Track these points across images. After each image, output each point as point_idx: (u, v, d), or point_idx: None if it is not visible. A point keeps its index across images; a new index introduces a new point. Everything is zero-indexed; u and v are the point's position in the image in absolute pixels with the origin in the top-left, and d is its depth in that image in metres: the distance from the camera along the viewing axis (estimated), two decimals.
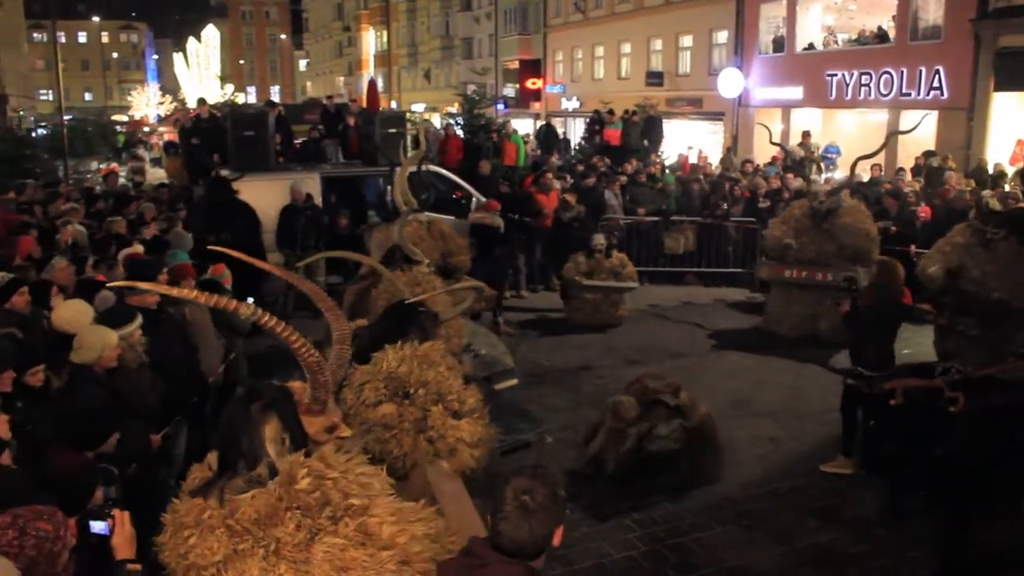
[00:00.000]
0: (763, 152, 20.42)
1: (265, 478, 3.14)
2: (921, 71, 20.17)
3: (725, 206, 15.05)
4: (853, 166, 12.86)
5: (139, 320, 5.81)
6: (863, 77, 21.87)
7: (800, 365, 10.61)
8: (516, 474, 2.66)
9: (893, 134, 11.59)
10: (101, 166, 26.63)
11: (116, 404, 5.17)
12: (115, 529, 3.23)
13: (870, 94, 21.71)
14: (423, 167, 12.50)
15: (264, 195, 12.48)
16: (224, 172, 13.34)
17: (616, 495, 7.09)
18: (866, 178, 14.62)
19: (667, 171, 17.42)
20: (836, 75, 22.84)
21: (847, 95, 22.58)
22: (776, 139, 17.06)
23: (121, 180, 18.23)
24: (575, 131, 32.18)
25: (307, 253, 12.41)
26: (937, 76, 19.80)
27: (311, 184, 13.13)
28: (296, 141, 16.49)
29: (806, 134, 20.48)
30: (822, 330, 11.14)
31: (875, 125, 21.41)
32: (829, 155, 20.62)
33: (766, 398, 9.54)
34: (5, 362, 4.81)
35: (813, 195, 11.26)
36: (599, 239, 12.19)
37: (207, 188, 12.26)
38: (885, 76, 21.22)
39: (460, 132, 20.29)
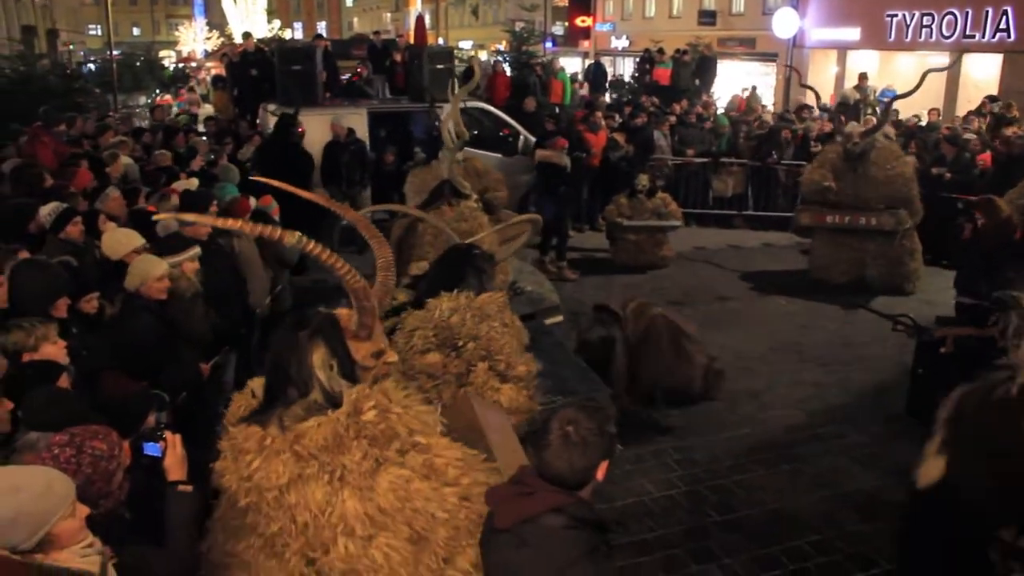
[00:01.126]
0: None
1: (322, 404, 3.19)
2: (988, 12, 19.42)
3: (775, 156, 14.76)
4: (888, 106, 12.53)
5: (195, 250, 5.86)
6: (925, 18, 21.15)
7: (848, 311, 10.48)
8: (566, 405, 2.66)
9: (929, 72, 11.11)
10: (151, 98, 26.81)
11: (168, 333, 5.25)
12: (167, 451, 3.28)
13: (931, 36, 21.00)
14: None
15: (311, 131, 12.48)
16: (272, 107, 13.36)
17: (658, 435, 7.12)
18: (924, 123, 14.21)
19: (720, 112, 17.09)
20: (896, 15, 22.10)
21: (907, 37, 21.86)
22: (824, 101, 16.53)
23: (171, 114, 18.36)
24: (624, 70, 31.69)
25: (352, 189, 12.48)
26: (1004, 17, 19.05)
27: (357, 120, 13.11)
28: (342, 77, 16.42)
29: (862, 76, 19.87)
30: (870, 276, 10.96)
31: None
32: (885, 99, 20.04)
33: (812, 343, 9.45)
34: (60, 289, 4.90)
35: (847, 137, 10.93)
36: (642, 179, 12.07)
37: (275, 126, 12.15)
38: (948, 17, 20.48)
39: (508, 69, 20.05)
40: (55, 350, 4.25)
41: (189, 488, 3.25)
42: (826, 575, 5.43)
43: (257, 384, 3.44)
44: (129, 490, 3.21)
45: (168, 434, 3.33)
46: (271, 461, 3.05)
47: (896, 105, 13.72)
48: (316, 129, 12.56)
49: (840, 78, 23.30)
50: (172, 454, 3.29)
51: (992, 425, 3.64)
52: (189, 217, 4.43)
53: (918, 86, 10.81)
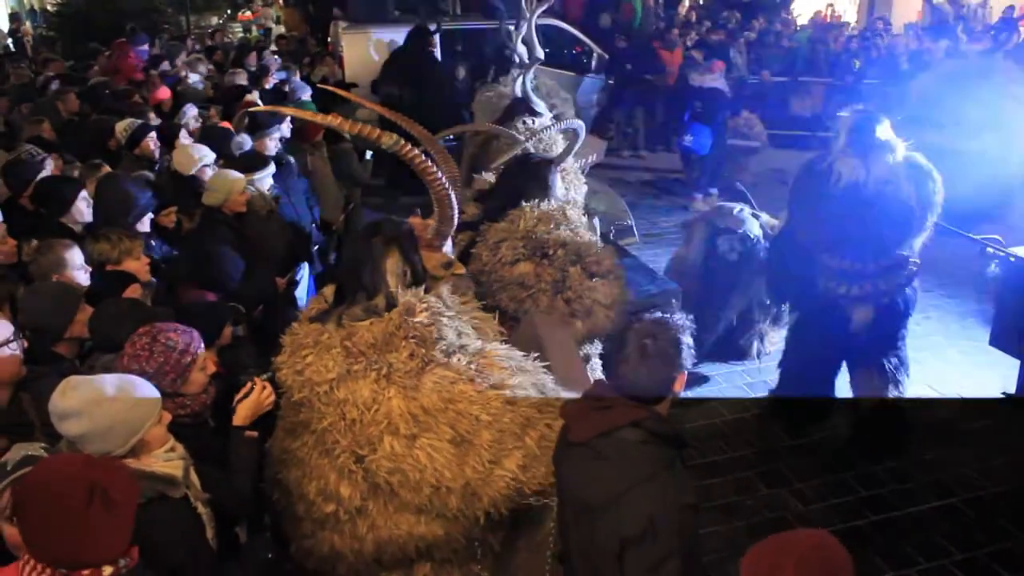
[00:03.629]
0: (905, 10, 19.00)
1: (382, 309, 3.22)
2: None
3: (859, 65, 14.15)
4: (1004, 24, 11.87)
5: (271, 168, 5.90)
6: None
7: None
8: (641, 319, 2.61)
9: None
10: (222, 18, 26.88)
11: (245, 247, 5.31)
12: (250, 393, 3.26)
13: None
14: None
15: (381, 47, 12.36)
16: (343, 24, 13.25)
17: (730, 359, 7.05)
18: None
19: (798, 29, 16.45)
20: None
21: None
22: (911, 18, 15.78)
23: (240, 34, 18.40)
24: None
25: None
26: None
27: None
28: None
29: None
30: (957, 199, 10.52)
31: None
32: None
33: None
34: (144, 204, 4.97)
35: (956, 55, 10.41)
36: None
37: (408, 38, 12.01)
38: None
39: None
40: (138, 266, 4.34)
41: (254, 435, 3.28)
42: (902, 502, 5.34)
43: (331, 291, 3.49)
44: (214, 400, 3.27)
45: (259, 381, 3.31)
46: (322, 356, 3.13)
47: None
48: (385, 47, 12.41)
49: None
50: (252, 401, 3.26)
51: None
52: (287, 111, 4.45)
53: None
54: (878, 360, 5.60)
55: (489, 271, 4.66)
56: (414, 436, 3.07)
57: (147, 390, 2.67)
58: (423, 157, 3.29)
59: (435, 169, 3.32)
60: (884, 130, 5.11)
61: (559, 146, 6.44)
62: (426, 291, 3.34)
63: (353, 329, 3.15)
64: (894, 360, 5.65)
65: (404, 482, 3.07)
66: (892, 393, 5.64)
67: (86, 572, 2.11)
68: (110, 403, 2.53)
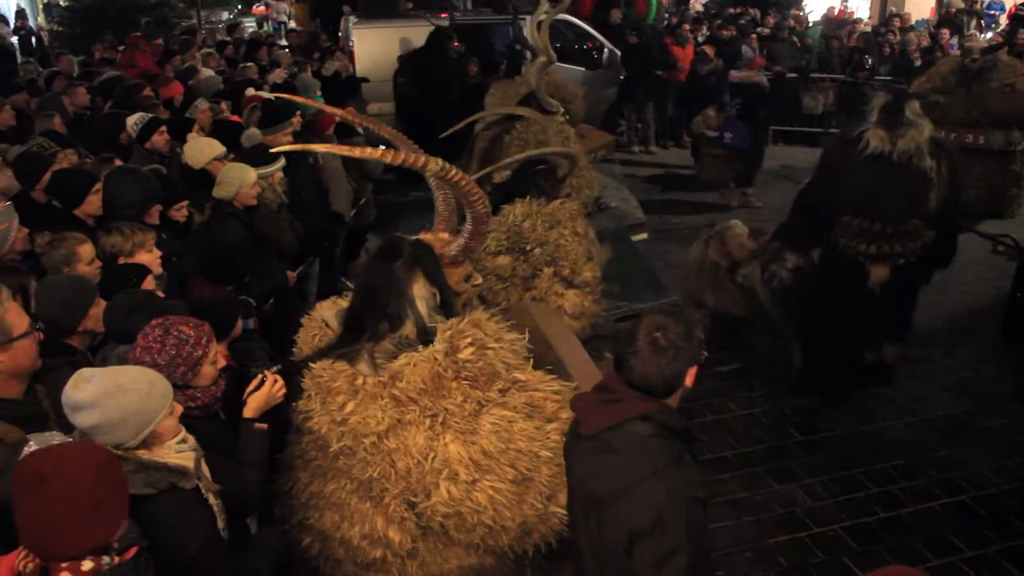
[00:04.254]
0: (918, 7, 18.91)
1: (415, 340, 3.07)
2: None
3: (870, 62, 14.08)
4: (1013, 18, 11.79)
5: (281, 161, 5.91)
6: None
7: None
8: (652, 311, 2.61)
9: None
10: (232, 13, 26.95)
11: (255, 241, 5.32)
12: (260, 387, 3.23)
13: None
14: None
15: (392, 42, 12.36)
16: (354, 19, 13.25)
17: (740, 353, 7.03)
18: None
19: (812, 25, 16.37)
20: None
21: None
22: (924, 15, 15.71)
23: (251, 28, 18.43)
24: None
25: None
26: None
27: None
28: None
29: None
30: (969, 199, 10.46)
31: None
32: (991, 12, 18.96)
33: None
34: (153, 196, 4.98)
35: (966, 51, 10.35)
36: None
37: (428, 39, 12.09)
38: None
39: None
40: (150, 258, 4.33)
41: (264, 427, 3.23)
42: (912, 499, 5.33)
43: (327, 311, 3.31)
44: (224, 394, 3.28)
45: (269, 375, 3.25)
46: (368, 406, 2.92)
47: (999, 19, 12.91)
48: (397, 40, 12.42)
49: None
50: (262, 394, 3.22)
51: None
52: (325, 148, 4.30)
53: None
54: (889, 321, 6.16)
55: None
56: (475, 480, 2.94)
57: (160, 382, 2.68)
58: (468, 178, 3.16)
59: (478, 189, 3.19)
60: (913, 109, 5.73)
61: (572, 140, 6.43)
62: (454, 311, 3.20)
63: (396, 373, 2.94)
64: (903, 324, 6.29)
65: (460, 524, 2.97)
66: (895, 355, 6.42)
67: (64, 565, 2.12)
68: (123, 395, 2.53)
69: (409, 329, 3.07)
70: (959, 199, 6.05)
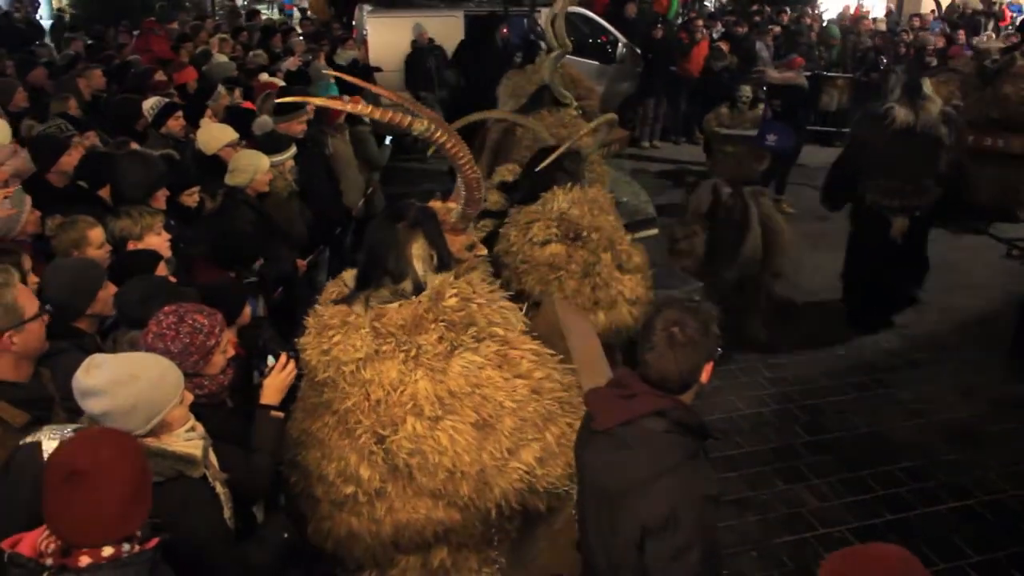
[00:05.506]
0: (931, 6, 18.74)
1: (410, 293, 3.23)
2: None
3: (885, 61, 13.98)
4: None
5: (293, 149, 5.90)
6: None
7: (953, 236, 10.01)
8: (668, 306, 2.58)
9: None
10: None
11: (266, 228, 5.31)
12: (273, 370, 3.31)
13: None
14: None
15: (405, 32, 12.34)
16: (368, 8, 13.21)
17: (749, 352, 7.01)
18: None
19: (830, 23, 16.24)
20: None
21: None
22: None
23: (266, 15, 18.41)
24: None
25: (441, 92, 12.37)
26: None
27: (454, 23, 12.90)
28: None
29: None
30: (982, 200, 10.40)
31: None
32: (1011, 14, 18.78)
33: None
34: (159, 180, 4.96)
35: (984, 53, 10.25)
36: (745, 90, 11.48)
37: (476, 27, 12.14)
38: None
39: None
40: (159, 241, 4.33)
41: (280, 415, 3.30)
42: (919, 502, 5.31)
43: (350, 275, 3.48)
44: (232, 382, 3.27)
45: (284, 355, 3.35)
46: (351, 335, 3.10)
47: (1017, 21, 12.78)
48: (410, 31, 12.40)
49: None
50: (275, 376, 3.30)
51: None
52: (317, 101, 4.46)
53: None
54: (910, 260, 7.41)
55: (516, 252, 4.64)
56: (438, 418, 3.07)
57: (171, 371, 2.67)
58: (453, 141, 3.29)
59: (465, 153, 3.31)
60: (928, 86, 7.09)
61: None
62: (455, 276, 3.33)
63: (382, 311, 3.15)
64: (921, 262, 7.54)
65: (423, 465, 3.07)
66: (916, 291, 7.66)
67: (85, 549, 2.10)
68: (134, 383, 2.52)
69: (408, 284, 3.27)
70: (961, 161, 7.74)
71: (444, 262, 3.36)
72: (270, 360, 3.39)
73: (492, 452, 3.08)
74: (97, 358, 2.57)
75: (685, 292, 5.88)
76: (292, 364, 3.34)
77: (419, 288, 3.24)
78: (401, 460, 3.09)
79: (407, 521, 3.20)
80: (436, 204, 3.61)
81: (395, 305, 3.17)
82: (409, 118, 3.20)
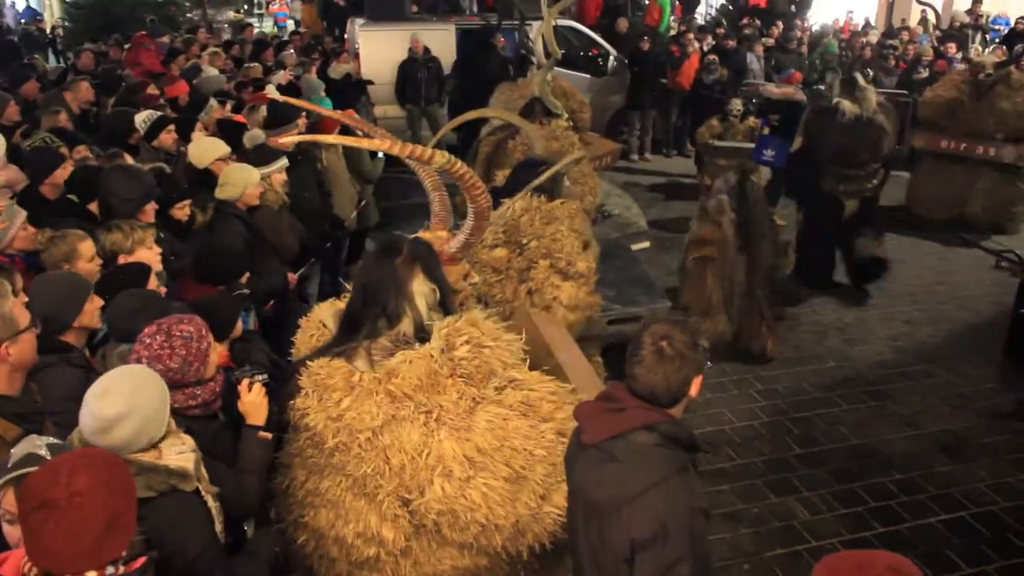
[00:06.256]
0: (921, 21, 18.87)
1: (411, 338, 3.10)
2: None
3: (871, 74, 14.04)
4: (1013, 35, 11.76)
5: (283, 161, 5.90)
6: None
7: (945, 248, 10.07)
8: (656, 320, 2.58)
9: None
10: (239, 11, 26.97)
11: (257, 240, 5.31)
12: (251, 391, 3.26)
13: None
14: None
15: (397, 45, 12.37)
16: (360, 22, 13.24)
17: (740, 364, 7.02)
18: None
19: (830, 40, 16.33)
20: None
21: None
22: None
23: (257, 28, 18.43)
24: None
25: (430, 106, 12.41)
26: None
27: (445, 36, 12.93)
28: None
29: (976, 1, 18.77)
30: (973, 213, 10.46)
31: None
32: (996, 26, 18.93)
33: (905, 279, 9.12)
34: (147, 194, 4.94)
35: (979, 65, 10.34)
36: (736, 103, 11.52)
37: (475, 41, 12.26)
38: None
39: None
40: (150, 255, 4.31)
41: (268, 436, 3.25)
42: (911, 515, 5.31)
43: (326, 312, 3.34)
44: (222, 390, 3.26)
45: (247, 380, 3.29)
46: (363, 401, 2.94)
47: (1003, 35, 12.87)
48: (402, 43, 12.43)
49: (948, 4, 21.97)
50: (249, 398, 3.26)
51: None
52: (320, 109, 4.48)
53: None
54: (861, 233, 8.47)
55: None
56: (469, 477, 2.94)
57: (155, 375, 2.70)
58: (472, 173, 3.21)
59: (479, 183, 3.23)
60: (862, 80, 8.30)
61: (576, 146, 6.44)
62: (452, 309, 3.24)
63: (392, 370, 2.96)
64: (870, 232, 8.53)
65: (453, 523, 2.97)
66: (873, 250, 8.52)
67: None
68: (145, 394, 2.56)
69: (407, 326, 3.12)
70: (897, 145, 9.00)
71: (445, 296, 3.24)
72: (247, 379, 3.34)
73: (526, 502, 2.99)
74: (98, 389, 2.55)
75: (650, 310, 5.93)
76: (257, 386, 3.26)
77: (420, 328, 3.11)
78: (430, 520, 2.98)
79: (432, 573, 3.11)
80: (426, 235, 3.47)
81: (405, 362, 2.97)
82: (431, 152, 3.09)
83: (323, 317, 3.33)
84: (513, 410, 3.03)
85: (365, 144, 3.23)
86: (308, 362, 3.11)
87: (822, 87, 11.74)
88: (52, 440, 2.52)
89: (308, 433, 3.06)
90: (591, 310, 4.97)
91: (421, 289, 3.17)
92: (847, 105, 7.89)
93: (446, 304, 3.26)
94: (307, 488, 3.18)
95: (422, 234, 3.46)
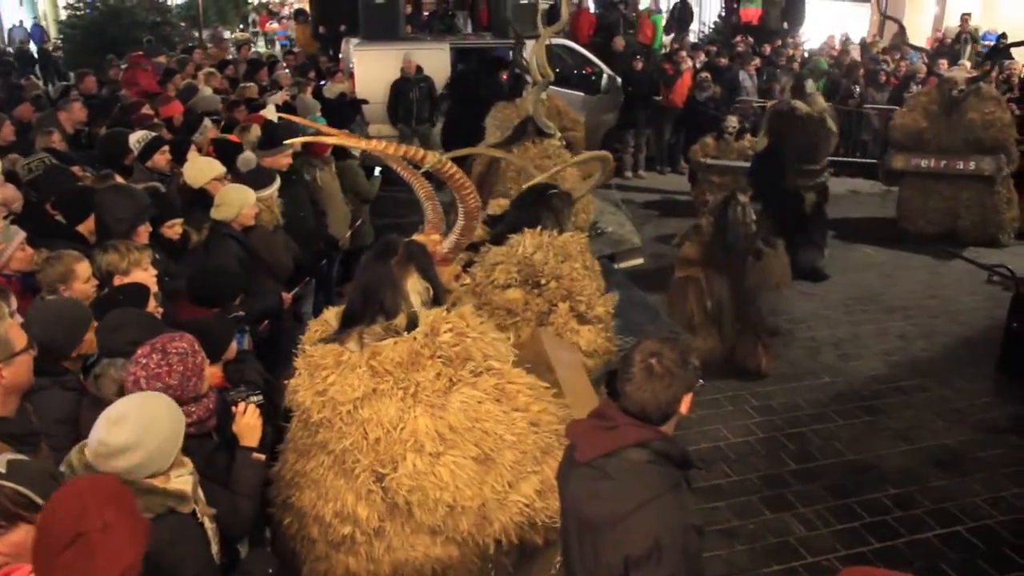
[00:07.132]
0: (915, 37, 19.00)
1: (403, 328, 3.24)
2: None
3: (858, 91, 14.16)
4: (995, 51, 11.85)
5: (278, 183, 5.92)
6: None
7: (937, 262, 10.11)
8: (647, 337, 2.61)
9: None
10: (235, 31, 27.03)
11: (252, 261, 5.32)
12: (245, 413, 3.34)
13: None
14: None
15: (392, 65, 12.43)
16: (355, 41, 13.30)
17: (735, 381, 7.04)
18: None
19: (820, 57, 16.44)
20: None
21: None
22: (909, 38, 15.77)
23: (254, 49, 18.49)
24: (710, 9, 30.66)
25: (421, 127, 12.47)
26: None
27: (440, 55, 13.00)
28: (423, 13, 16.31)
29: (965, 16, 18.90)
30: (962, 225, 10.49)
31: None
32: (987, 42, 19.05)
33: (898, 293, 9.17)
34: (140, 214, 4.95)
35: (950, 83, 10.38)
36: (731, 120, 11.61)
37: (480, 62, 12.44)
38: None
39: (592, 7, 19.65)
40: (145, 276, 4.31)
41: (261, 458, 3.31)
42: (907, 530, 5.32)
43: (332, 314, 3.48)
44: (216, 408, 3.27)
45: (243, 404, 3.39)
46: (347, 375, 3.09)
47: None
48: (397, 63, 12.51)
49: (939, 19, 22.12)
50: (242, 420, 3.33)
51: None
52: (321, 128, 4.55)
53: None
54: (816, 232, 9.66)
55: (479, 292, 4.55)
56: (439, 454, 3.07)
57: (171, 402, 2.71)
58: (462, 173, 3.39)
59: (468, 183, 3.41)
60: (810, 86, 9.69)
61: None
62: (447, 310, 3.35)
63: (378, 349, 3.13)
64: (823, 230, 9.85)
65: (423, 501, 3.06)
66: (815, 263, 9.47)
67: None
68: (158, 425, 2.57)
69: (400, 320, 3.28)
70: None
71: (439, 295, 3.41)
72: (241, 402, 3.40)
73: (493, 486, 3.10)
74: (112, 414, 2.56)
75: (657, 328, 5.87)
76: (251, 408, 3.35)
77: (413, 323, 3.25)
78: (401, 497, 3.08)
79: (405, 559, 3.18)
80: (420, 238, 3.65)
81: (390, 342, 3.14)
82: (423, 152, 3.28)
83: (329, 318, 3.49)
84: (487, 394, 3.18)
85: (364, 145, 3.41)
86: (306, 348, 3.29)
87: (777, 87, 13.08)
88: (12, 456, 2.46)
89: (298, 412, 3.23)
90: (609, 356, 4.76)
91: (416, 287, 3.36)
92: (800, 104, 9.02)
93: (439, 302, 3.42)
94: (295, 469, 3.31)
95: (416, 237, 3.67)
